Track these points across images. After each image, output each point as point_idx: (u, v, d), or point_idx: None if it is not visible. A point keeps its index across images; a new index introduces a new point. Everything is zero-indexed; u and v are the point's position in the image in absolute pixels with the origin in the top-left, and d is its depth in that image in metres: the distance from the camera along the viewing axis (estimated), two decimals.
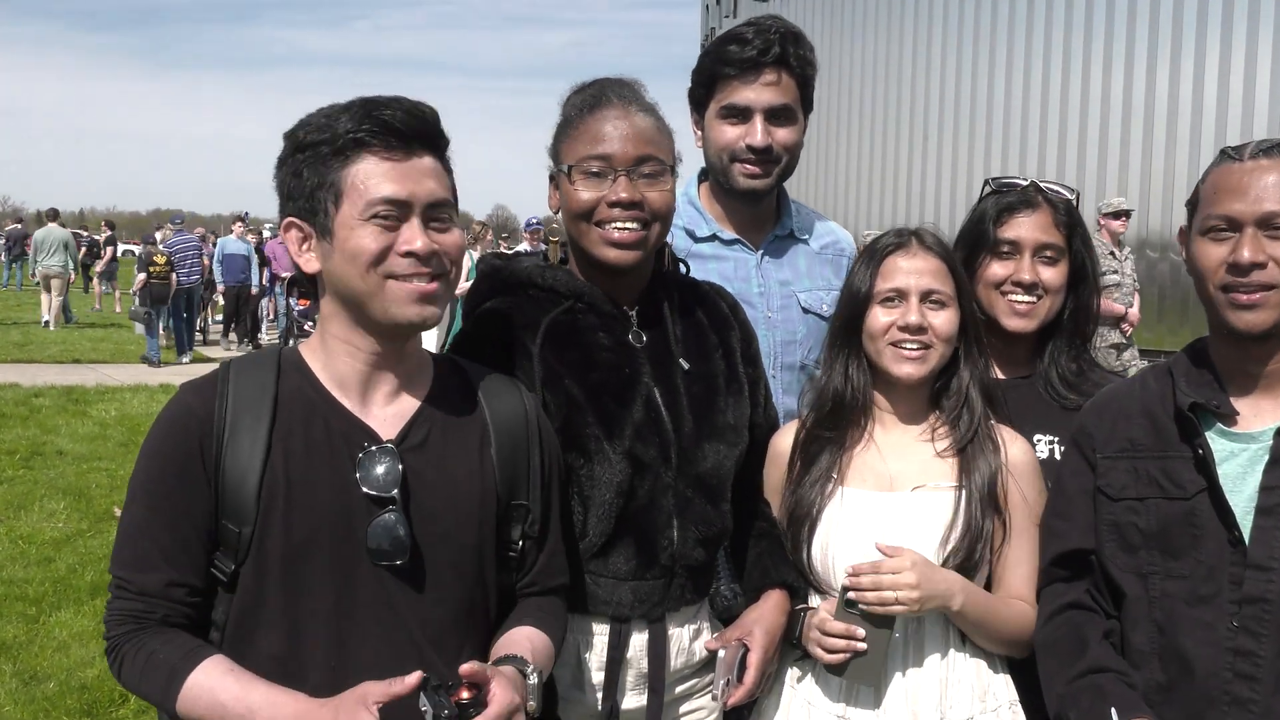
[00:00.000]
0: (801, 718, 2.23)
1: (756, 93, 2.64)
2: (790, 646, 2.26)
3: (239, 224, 19.77)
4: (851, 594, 2.09)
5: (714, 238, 2.79)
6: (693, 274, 2.58)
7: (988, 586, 2.24)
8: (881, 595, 2.05)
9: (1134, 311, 10.03)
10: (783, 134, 2.68)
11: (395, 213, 1.76)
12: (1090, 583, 2.09)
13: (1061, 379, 2.46)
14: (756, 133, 2.64)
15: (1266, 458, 1.92)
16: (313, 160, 1.77)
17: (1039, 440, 2.41)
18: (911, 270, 2.23)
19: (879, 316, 2.24)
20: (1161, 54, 18.04)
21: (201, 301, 19.28)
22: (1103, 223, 10.02)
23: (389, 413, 1.86)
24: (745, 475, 2.36)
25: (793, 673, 2.28)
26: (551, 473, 2.00)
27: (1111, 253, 9.87)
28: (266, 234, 20.79)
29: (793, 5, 27.68)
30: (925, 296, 2.22)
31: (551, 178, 2.23)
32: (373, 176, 1.75)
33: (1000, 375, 2.53)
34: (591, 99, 2.18)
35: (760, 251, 2.81)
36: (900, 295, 2.23)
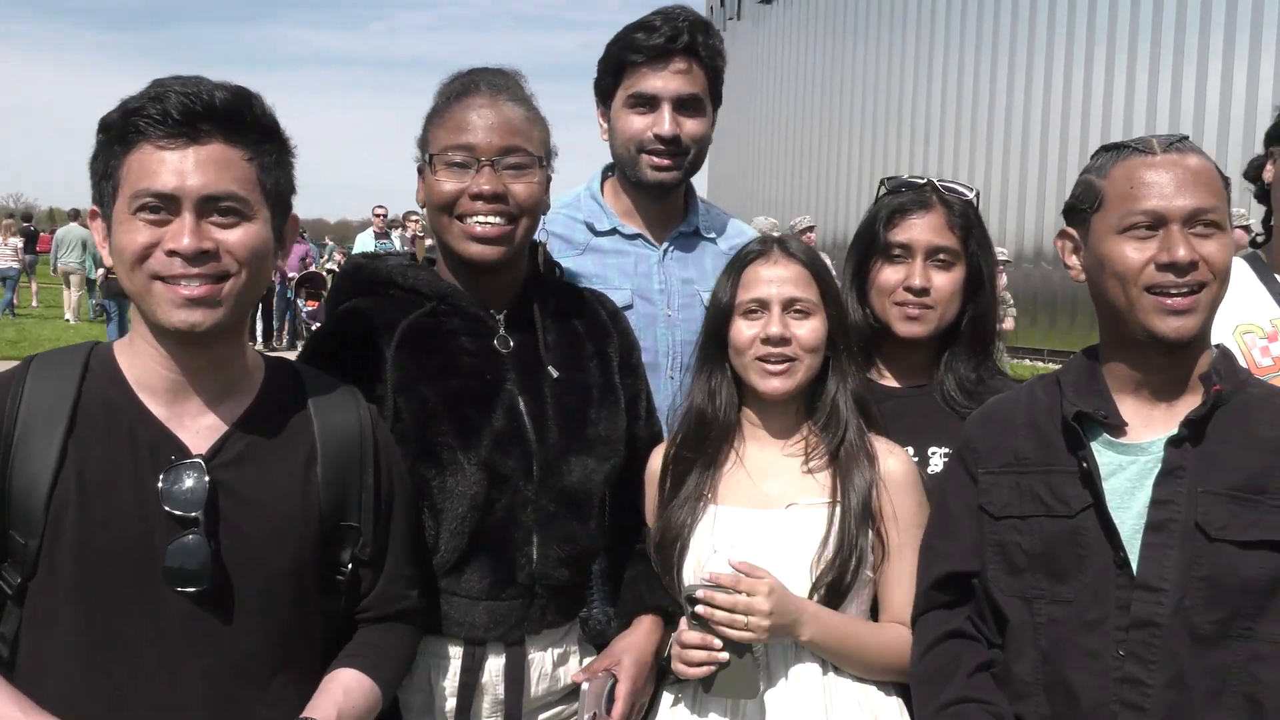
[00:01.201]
0: None
1: (665, 81, 2.54)
2: (666, 669, 2.13)
3: None
4: (700, 608, 1.96)
5: (614, 231, 2.69)
6: (591, 269, 2.49)
7: (875, 606, 2.13)
8: (732, 618, 1.93)
9: None
10: (691, 125, 2.58)
11: (162, 207, 1.61)
12: (973, 608, 1.96)
13: (959, 388, 2.32)
14: (664, 122, 2.54)
15: (1157, 470, 1.79)
16: (104, 145, 1.65)
17: (934, 452, 2.29)
18: (773, 279, 2.12)
19: (742, 329, 2.13)
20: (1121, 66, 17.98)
21: None
22: None
23: (203, 424, 1.71)
24: (624, 492, 2.23)
25: (667, 697, 2.16)
26: (391, 492, 1.86)
27: None
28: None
29: (795, 9, 27.61)
30: (788, 306, 2.11)
31: (419, 170, 2.10)
32: (142, 166, 1.60)
33: (897, 385, 2.41)
34: (461, 87, 2.08)
35: (664, 248, 2.70)
36: (762, 305, 2.12)
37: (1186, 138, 1.85)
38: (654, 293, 2.63)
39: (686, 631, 2.01)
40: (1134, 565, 1.77)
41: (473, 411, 2.03)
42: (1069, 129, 19.71)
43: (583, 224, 2.68)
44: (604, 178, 2.78)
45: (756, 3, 29.62)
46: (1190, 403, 1.81)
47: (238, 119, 1.65)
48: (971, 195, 2.40)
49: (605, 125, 2.67)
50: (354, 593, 1.85)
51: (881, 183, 2.44)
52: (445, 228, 2.05)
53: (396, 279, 2.11)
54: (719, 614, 1.94)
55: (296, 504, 1.74)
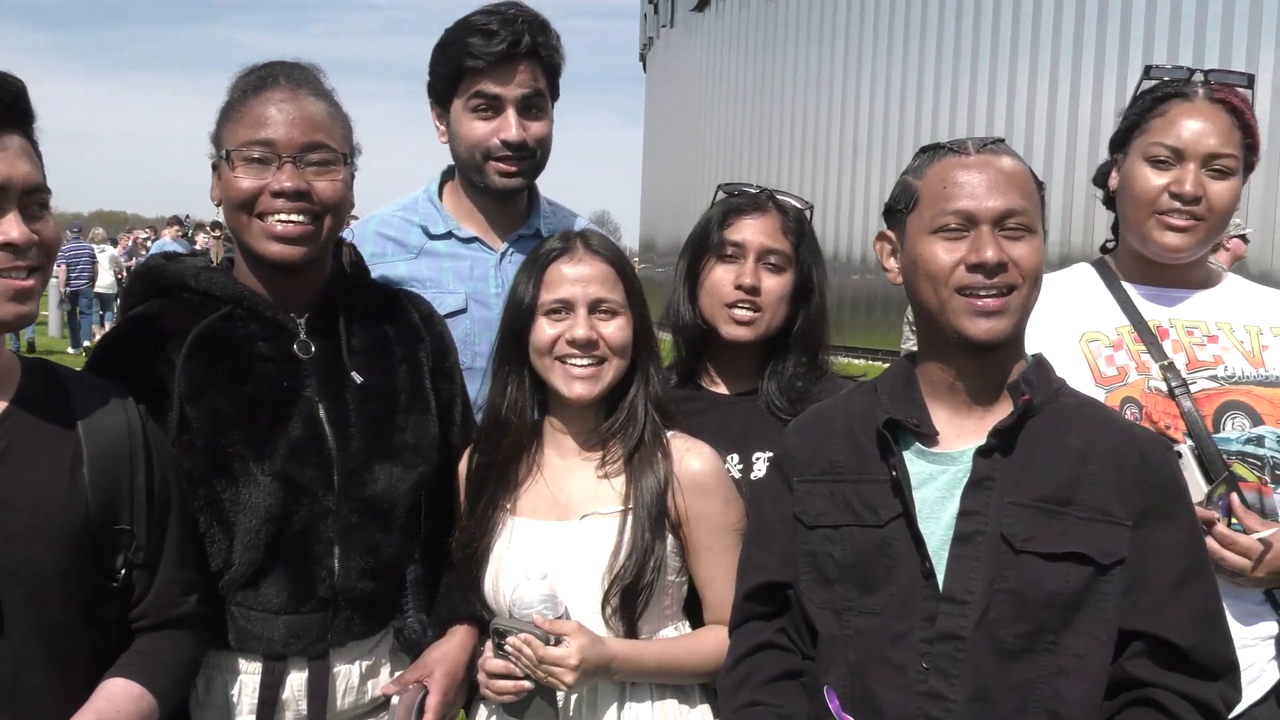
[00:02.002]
0: None
1: (508, 86, 2.49)
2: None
3: (174, 226, 19.46)
4: (509, 647, 1.92)
5: (450, 235, 2.63)
6: (425, 272, 2.43)
7: (696, 609, 2.10)
8: (535, 672, 1.90)
9: None
10: (536, 127, 2.54)
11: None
12: (789, 619, 1.91)
13: (783, 394, 2.30)
14: (511, 127, 2.49)
15: (966, 480, 1.75)
16: None
17: (759, 458, 2.26)
18: (578, 278, 2.05)
19: (545, 330, 2.05)
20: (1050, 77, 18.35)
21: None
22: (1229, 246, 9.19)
23: None
24: (440, 498, 2.17)
25: (484, 710, 2.10)
26: (166, 494, 1.80)
27: None
28: (202, 238, 20.52)
29: (727, 19, 27.75)
30: (594, 306, 2.05)
31: (214, 166, 2.02)
32: None
33: (726, 391, 2.38)
34: (259, 80, 2.00)
35: (503, 251, 2.64)
36: (566, 306, 2.05)
37: (1002, 140, 1.82)
38: (490, 296, 2.58)
39: (492, 660, 1.96)
40: (940, 577, 1.73)
41: (267, 420, 1.95)
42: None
43: (418, 227, 2.63)
44: (443, 180, 2.72)
45: (689, 11, 29.72)
46: (1003, 412, 1.78)
47: (22, 109, 1.67)
48: (805, 208, 2.41)
49: (443, 128, 2.62)
50: (129, 600, 1.77)
51: (719, 188, 2.44)
52: (244, 227, 1.97)
53: (190, 282, 2.03)
54: (524, 660, 1.90)
55: (61, 505, 1.67)
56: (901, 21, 22.24)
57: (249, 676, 1.98)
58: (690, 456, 2.08)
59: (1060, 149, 18.18)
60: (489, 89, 2.49)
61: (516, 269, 2.59)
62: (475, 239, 2.64)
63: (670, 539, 2.04)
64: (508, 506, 2.08)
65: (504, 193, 2.58)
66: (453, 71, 2.52)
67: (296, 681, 1.99)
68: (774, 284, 2.31)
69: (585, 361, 2.03)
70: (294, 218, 1.94)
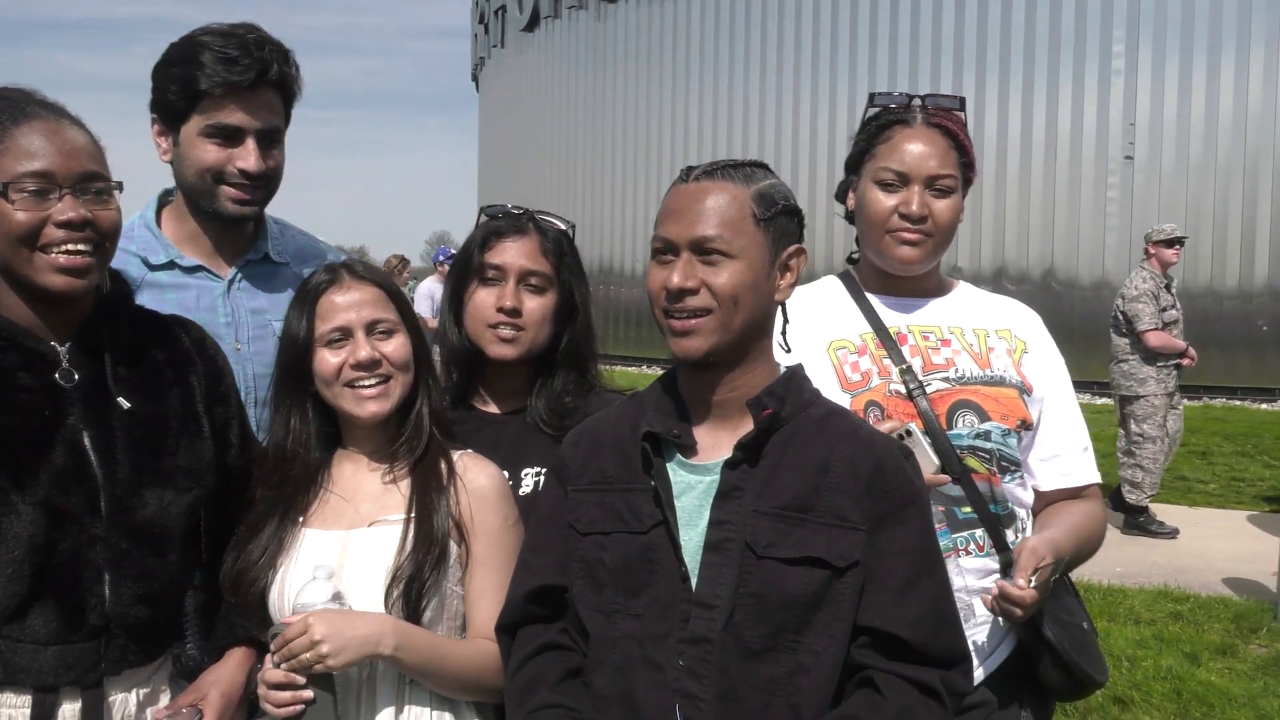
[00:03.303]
0: None
1: (249, 116, 2.45)
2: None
3: None
4: (274, 649, 1.96)
5: (172, 264, 2.56)
6: (149, 306, 2.34)
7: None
8: (300, 659, 1.93)
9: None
10: (274, 156, 2.53)
11: None
12: (569, 620, 2.01)
13: (550, 410, 2.40)
14: (250, 157, 2.46)
15: (715, 491, 1.89)
16: None
17: (526, 474, 2.35)
18: (350, 304, 2.13)
19: (328, 359, 2.12)
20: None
21: None
22: (1153, 251, 8.92)
23: None
24: (220, 523, 2.19)
25: None
26: None
27: (1166, 286, 8.79)
28: None
29: (556, 39, 27.92)
30: (371, 328, 2.13)
31: None
32: None
33: (497, 410, 2.46)
34: (15, 110, 1.97)
35: (230, 278, 2.60)
36: (344, 333, 2.12)
37: (727, 167, 1.93)
38: (221, 326, 2.53)
39: (271, 670, 1.99)
40: (693, 582, 1.86)
41: (26, 450, 1.94)
42: (819, 158, 20.73)
43: (136, 257, 2.52)
44: (161, 204, 2.64)
45: (520, 31, 29.76)
46: (752, 426, 1.91)
47: None
48: (566, 227, 2.50)
49: (166, 145, 2.52)
50: None
51: (481, 210, 2.50)
52: (25, 260, 1.94)
53: None
54: (289, 653, 1.94)
55: None
56: (726, 41, 22.82)
57: (18, 710, 1.95)
58: (476, 471, 2.18)
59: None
60: (230, 119, 2.44)
61: (245, 296, 2.59)
62: (200, 267, 2.58)
63: (453, 547, 2.12)
64: (300, 520, 2.13)
65: (235, 219, 2.54)
66: (187, 94, 2.43)
67: (70, 712, 1.98)
68: (535, 305, 2.39)
69: (372, 381, 2.11)
70: (79, 247, 1.94)
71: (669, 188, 1.97)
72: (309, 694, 1.96)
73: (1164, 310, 8.69)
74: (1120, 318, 8.81)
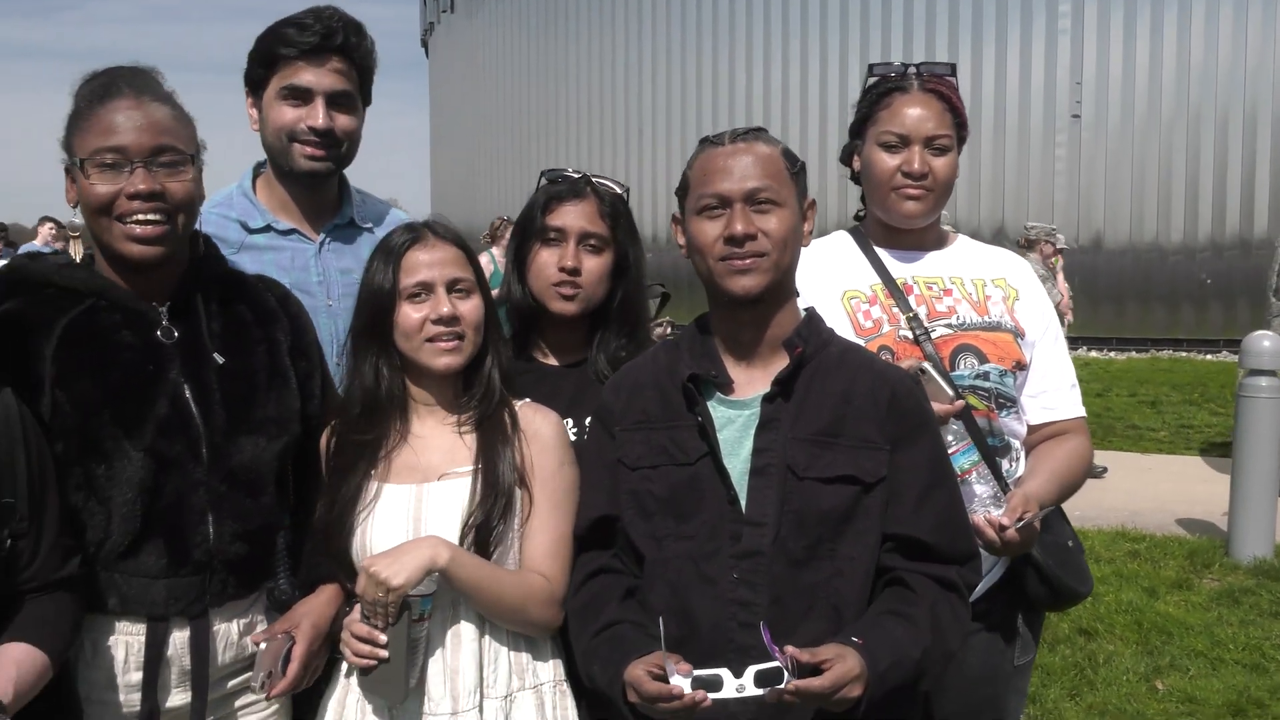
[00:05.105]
0: (354, 709, 2.25)
1: (318, 76, 2.65)
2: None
3: (48, 225, 17.90)
4: (360, 599, 2.12)
5: (269, 228, 2.76)
6: (248, 266, 2.55)
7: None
8: (375, 600, 2.07)
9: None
10: (344, 120, 2.71)
11: None
12: (620, 546, 2.23)
13: (610, 363, 2.58)
14: (318, 115, 2.65)
15: (757, 423, 2.12)
16: None
17: (590, 422, 2.54)
18: (433, 262, 2.26)
19: (410, 313, 2.25)
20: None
21: None
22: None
23: None
24: (305, 467, 2.38)
25: (344, 665, 2.29)
26: (43, 469, 1.99)
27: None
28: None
29: (506, 2, 27.78)
30: (451, 286, 2.27)
31: (67, 170, 2.17)
32: None
33: (556, 363, 2.65)
34: (101, 89, 2.14)
35: (320, 241, 2.81)
36: (426, 289, 2.25)
37: (752, 131, 2.17)
38: (313, 285, 2.73)
39: (357, 621, 2.14)
40: (743, 504, 2.09)
41: (134, 401, 2.13)
42: (776, 122, 20.91)
43: (236, 222, 2.74)
44: (255, 174, 2.85)
45: None
46: (783, 362, 2.14)
47: None
48: (622, 191, 2.68)
49: (255, 116, 2.75)
50: (14, 568, 1.95)
51: (542, 174, 2.68)
52: (105, 229, 2.13)
53: (54, 279, 2.18)
54: (367, 599, 2.08)
55: None
56: (677, 8, 22.85)
57: (134, 638, 2.15)
58: (538, 419, 2.34)
59: (832, 129, 19.22)
60: (300, 79, 2.64)
61: (334, 257, 2.79)
62: (293, 230, 2.78)
63: (518, 493, 2.27)
64: (375, 474, 2.27)
65: (311, 177, 2.72)
66: (267, 60, 2.67)
67: (179, 639, 2.18)
68: (593, 264, 2.58)
69: (449, 336, 2.25)
70: (150, 217, 2.10)
71: (695, 154, 2.19)
72: (385, 654, 2.10)
73: None
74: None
